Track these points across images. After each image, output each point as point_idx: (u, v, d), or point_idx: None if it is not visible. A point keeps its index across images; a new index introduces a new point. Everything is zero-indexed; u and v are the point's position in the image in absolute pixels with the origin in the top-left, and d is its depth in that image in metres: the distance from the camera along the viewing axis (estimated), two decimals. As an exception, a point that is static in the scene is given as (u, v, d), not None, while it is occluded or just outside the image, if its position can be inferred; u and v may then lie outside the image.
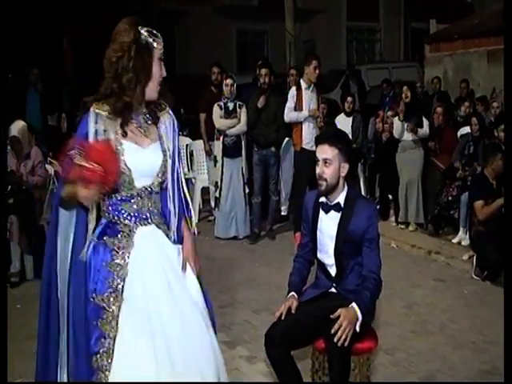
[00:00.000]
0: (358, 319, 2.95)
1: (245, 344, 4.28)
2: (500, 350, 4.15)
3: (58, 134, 7.70)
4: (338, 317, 2.91)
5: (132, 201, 2.49)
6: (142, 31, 2.44)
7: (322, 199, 3.21)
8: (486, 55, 10.55)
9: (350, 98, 8.38)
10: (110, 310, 2.40)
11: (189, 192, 2.83)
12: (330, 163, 3.09)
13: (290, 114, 6.74)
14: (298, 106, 6.75)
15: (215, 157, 7.17)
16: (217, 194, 7.07)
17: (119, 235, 2.47)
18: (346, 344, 2.86)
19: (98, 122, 2.42)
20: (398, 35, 21.85)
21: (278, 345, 3.03)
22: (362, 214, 3.11)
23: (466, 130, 7.37)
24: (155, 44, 2.49)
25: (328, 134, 3.53)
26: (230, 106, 6.94)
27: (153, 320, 2.41)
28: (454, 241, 6.63)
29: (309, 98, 6.77)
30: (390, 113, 7.69)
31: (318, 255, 3.27)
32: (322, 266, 3.26)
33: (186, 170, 8.66)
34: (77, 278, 2.41)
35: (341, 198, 3.17)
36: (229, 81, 6.92)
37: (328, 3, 20.13)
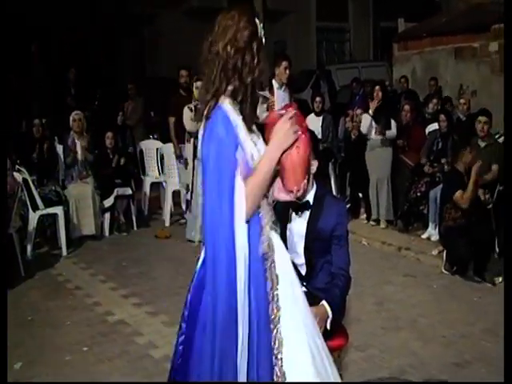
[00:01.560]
0: (328, 317, 2.96)
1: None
2: (469, 343, 4.23)
3: (30, 140, 7.58)
4: None
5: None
6: (258, 24, 2.23)
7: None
8: (453, 53, 10.66)
9: (318, 98, 8.42)
10: (273, 323, 2.23)
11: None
12: None
13: (261, 116, 6.76)
14: (269, 108, 6.77)
15: (186, 159, 7.14)
16: (188, 197, 7.04)
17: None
18: None
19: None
20: (367, 35, 21.99)
21: None
22: (330, 211, 3.13)
23: (434, 126, 7.45)
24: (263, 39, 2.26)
25: None
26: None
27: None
28: (424, 236, 6.71)
29: (281, 98, 6.79)
30: (359, 111, 7.73)
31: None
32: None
33: (156, 173, 8.65)
34: (256, 277, 2.20)
35: (310, 197, 3.18)
36: (199, 83, 6.88)
37: (297, 4, 20.19)
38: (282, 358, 2.19)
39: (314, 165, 3.14)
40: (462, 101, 8.21)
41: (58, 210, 6.67)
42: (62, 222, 6.68)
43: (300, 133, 2.22)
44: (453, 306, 4.93)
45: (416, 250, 6.39)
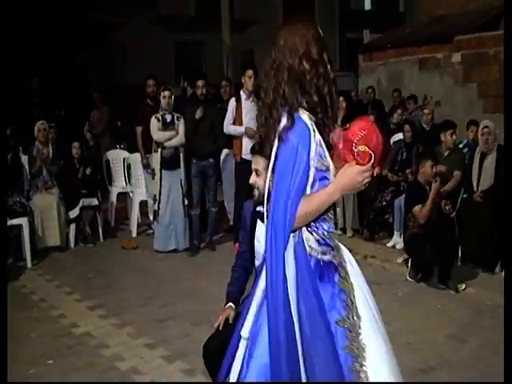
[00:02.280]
0: None
1: (185, 357, 4.25)
2: (433, 349, 4.29)
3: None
4: None
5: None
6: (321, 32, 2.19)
7: (259, 208, 3.24)
8: (417, 63, 10.88)
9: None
10: (354, 332, 2.18)
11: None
12: (260, 174, 3.09)
13: (228, 128, 6.86)
14: (237, 118, 6.81)
15: (153, 169, 7.12)
16: (155, 207, 7.01)
17: (334, 250, 2.25)
18: None
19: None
20: (334, 45, 22.26)
21: (215, 356, 3.03)
22: None
23: (398, 136, 7.57)
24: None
25: (262, 144, 3.52)
26: (168, 117, 6.90)
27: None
28: (389, 245, 6.81)
29: (248, 108, 6.83)
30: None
31: (256, 264, 3.29)
32: (260, 272, 3.29)
33: (123, 183, 8.60)
34: (307, 296, 2.10)
35: None
36: (166, 93, 6.90)
37: (264, 14, 20.33)
38: (365, 365, 2.15)
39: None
40: (425, 111, 8.37)
41: (23, 221, 6.58)
42: (26, 234, 6.59)
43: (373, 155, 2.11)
44: (417, 312, 5.00)
45: (382, 258, 6.47)
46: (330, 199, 2.14)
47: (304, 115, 2.11)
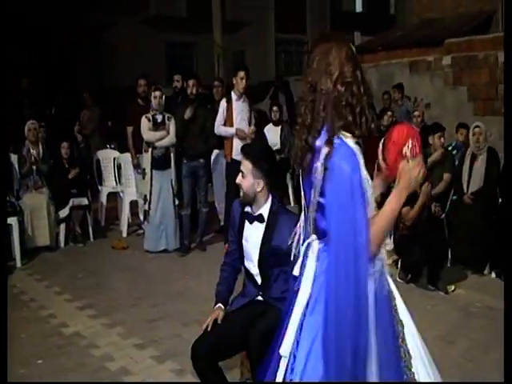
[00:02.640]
0: None
1: (175, 358, 4.25)
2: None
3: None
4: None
5: None
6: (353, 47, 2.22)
7: (247, 209, 3.26)
8: (408, 66, 10.93)
9: (275, 108, 8.54)
10: (405, 346, 2.23)
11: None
12: (244, 176, 3.16)
13: (219, 129, 6.86)
14: (228, 119, 6.82)
15: (144, 169, 7.11)
16: (146, 207, 7.01)
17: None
18: None
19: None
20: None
21: (203, 357, 3.05)
22: (284, 228, 3.10)
23: (388, 138, 7.60)
24: None
25: (250, 147, 3.50)
26: (159, 118, 6.90)
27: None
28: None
29: (239, 109, 6.84)
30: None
31: (245, 263, 3.31)
32: (249, 274, 3.31)
33: (113, 183, 8.58)
34: (384, 324, 2.14)
35: (263, 210, 3.22)
36: (157, 93, 6.89)
37: (256, 15, 20.37)
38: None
39: (260, 184, 3.16)
40: (416, 113, 8.41)
41: (13, 221, 6.54)
42: (16, 233, 6.56)
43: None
44: (407, 313, 5.03)
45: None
46: (399, 203, 2.15)
47: (348, 139, 2.11)
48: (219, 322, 3.17)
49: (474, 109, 9.50)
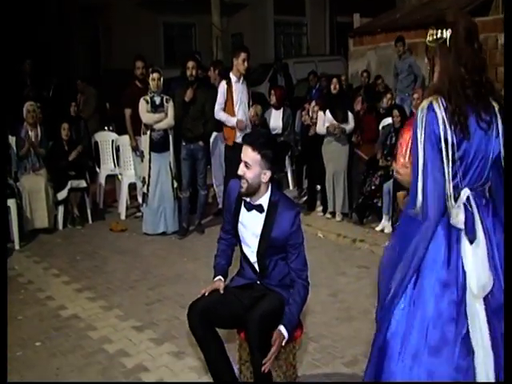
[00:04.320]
0: (284, 338, 3.04)
1: (173, 340, 4.27)
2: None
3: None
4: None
5: None
6: None
7: (247, 199, 3.21)
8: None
9: (272, 91, 8.48)
10: None
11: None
12: (250, 167, 3.06)
13: (219, 114, 6.75)
14: (228, 101, 6.73)
15: (142, 152, 7.07)
16: (144, 190, 6.98)
17: None
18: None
19: None
20: (324, 29, 22.18)
21: (199, 313, 3.06)
22: (284, 220, 3.12)
23: (387, 121, 7.56)
24: None
25: (254, 136, 3.25)
26: (157, 100, 6.85)
27: None
28: (378, 228, 6.82)
29: (239, 91, 6.78)
30: (316, 108, 7.79)
31: (242, 247, 3.29)
32: (247, 259, 3.29)
33: (111, 165, 8.55)
34: None
35: (263, 200, 3.17)
36: (155, 75, 6.83)
37: (254, -3, 20.23)
38: None
39: (267, 174, 3.10)
40: (415, 95, 8.33)
41: (11, 203, 6.52)
42: (14, 215, 6.54)
43: None
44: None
45: (370, 241, 6.49)
46: None
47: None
48: (221, 291, 3.18)
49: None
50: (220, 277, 3.28)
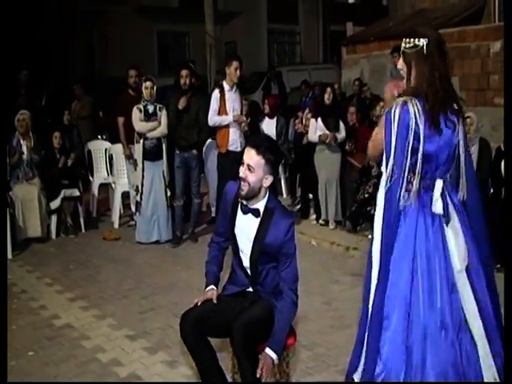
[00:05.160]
0: (273, 360, 3.04)
1: (166, 349, 4.26)
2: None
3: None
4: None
5: None
6: None
7: (245, 203, 3.21)
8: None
9: (266, 100, 8.48)
10: None
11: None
12: (253, 171, 3.06)
13: (214, 118, 6.74)
14: (221, 109, 6.76)
15: (135, 160, 7.07)
16: (138, 198, 6.97)
17: None
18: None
19: None
20: (317, 38, 22.28)
21: (192, 323, 3.04)
22: (279, 227, 3.12)
23: (380, 129, 7.59)
24: None
25: (260, 140, 3.26)
26: (150, 108, 6.86)
27: None
28: (371, 236, 6.81)
29: (232, 100, 6.79)
30: (309, 115, 7.80)
31: (242, 256, 3.27)
32: (240, 263, 3.27)
33: (105, 174, 8.54)
34: None
35: (260, 205, 3.17)
36: (148, 83, 6.84)
37: (248, 6, 20.29)
38: None
39: (268, 179, 3.10)
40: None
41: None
42: (6, 225, 6.51)
43: None
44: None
45: (364, 249, 6.46)
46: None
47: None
48: (214, 301, 3.17)
49: (465, 99, 9.49)
50: (212, 286, 3.27)
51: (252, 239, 3.16)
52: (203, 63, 13.47)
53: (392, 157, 2.80)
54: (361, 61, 11.78)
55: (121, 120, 7.37)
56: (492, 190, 6.09)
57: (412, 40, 2.82)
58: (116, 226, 7.78)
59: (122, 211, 8.05)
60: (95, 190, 8.36)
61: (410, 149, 2.77)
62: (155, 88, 6.89)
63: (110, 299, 5.28)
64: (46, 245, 7.04)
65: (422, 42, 2.79)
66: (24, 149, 7.15)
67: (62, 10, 17.69)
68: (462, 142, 2.88)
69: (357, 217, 7.13)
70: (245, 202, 3.18)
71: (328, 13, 21.71)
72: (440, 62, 2.80)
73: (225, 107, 6.75)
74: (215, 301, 3.17)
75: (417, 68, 2.81)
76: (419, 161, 2.80)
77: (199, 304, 3.14)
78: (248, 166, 3.06)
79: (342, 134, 7.25)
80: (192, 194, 7.06)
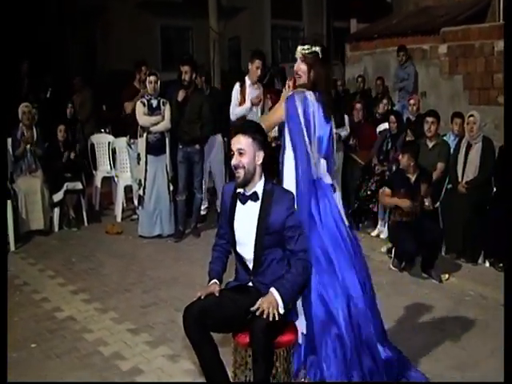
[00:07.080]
0: (278, 303, 3.03)
1: (168, 343, 4.26)
2: (416, 338, 4.33)
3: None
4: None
5: None
6: None
7: (240, 190, 3.25)
8: (404, 54, 10.86)
9: (268, 95, 8.44)
10: None
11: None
12: (244, 152, 3.15)
13: (235, 110, 6.61)
14: (240, 103, 6.64)
15: (138, 154, 7.07)
16: (140, 192, 6.98)
17: None
18: (270, 319, 2.93)
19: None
20: (321, 34, 22.21)
21: (195, 316, 3.04)
22: (280, 204, 3.17)
23: (384, 126, 7.59)
24: None
25: (242, 125, 3.54)
26: (154, 103, 6.86)
27: None
28: (373, 234, 6.83)
29: (253, 95, 6.66)
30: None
31: (237, 248, 3.29)
32: (241, 260, 3.30)
33: (108, 167, 8.54)
34: None
35: (258, 188, 3.22)
36: (152, 78, 6.85)
37: (252, 1, 20.24)
38: None
39: (260, 155, 3.19)
40: (411, 101, 8.37)
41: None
42: (10, 217, 6.52)
43: None
44: (400, 301, 5.03)
45: (366, 246, 6.40)
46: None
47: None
48: (216, 294, 3.18)
49: (469, 98, 9.48)
50: (215, 280, 3.29)
51: (255, 224, 3.19)
52: (207, 58, 13.43)
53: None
54: (364, 57, 11.78)
55: (128, 105, 7.36)
56: (495, 189, 6.09)
57: (308, 47, 3.53)
58: (118, 219, 7.79)
59: (124, 205, 8.06)
60: (98, 183, 8.37)
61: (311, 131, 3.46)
62: (159, 82, 6.89)
63: (113, 293, 5.29)
64: (48, 237, 7.05)
65: (318, 48, 3.51)
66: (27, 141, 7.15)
67: (67, 3, 17.71)
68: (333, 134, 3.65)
69: (359, 214, 7.14)
70: (242, 191, 3.21)
71: (332, 9, 21.65)
72: (328, 67, 3.64)
73: (244, 102, 6.63)
74: (217, 294, 3.19)
75: (317, 69, 3.49)
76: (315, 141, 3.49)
77: (202, 297, 3.16)
78: (238, 150, 3.16)
79: (346, 131, 7.24)
80: (194, 188, 7.06)
